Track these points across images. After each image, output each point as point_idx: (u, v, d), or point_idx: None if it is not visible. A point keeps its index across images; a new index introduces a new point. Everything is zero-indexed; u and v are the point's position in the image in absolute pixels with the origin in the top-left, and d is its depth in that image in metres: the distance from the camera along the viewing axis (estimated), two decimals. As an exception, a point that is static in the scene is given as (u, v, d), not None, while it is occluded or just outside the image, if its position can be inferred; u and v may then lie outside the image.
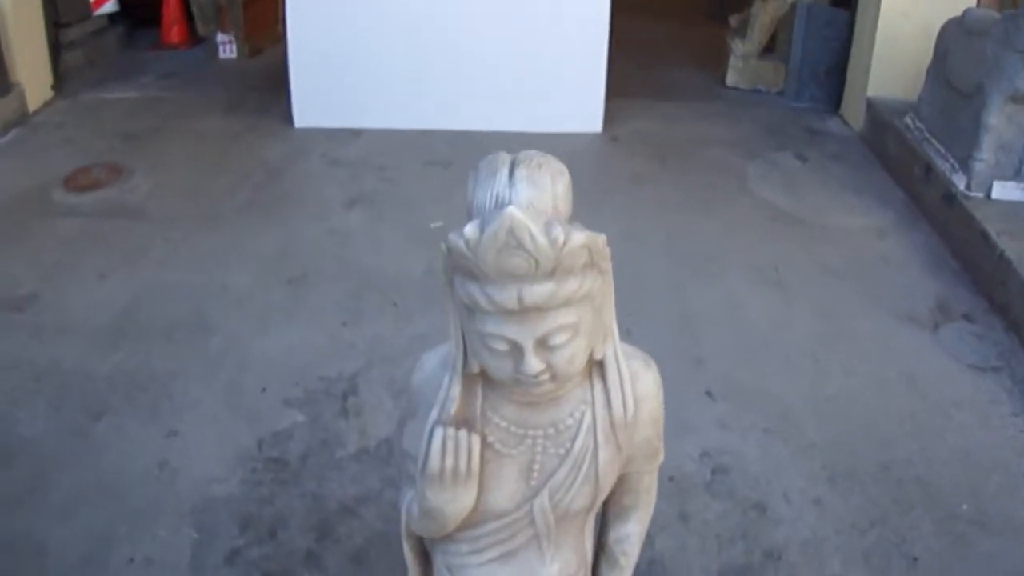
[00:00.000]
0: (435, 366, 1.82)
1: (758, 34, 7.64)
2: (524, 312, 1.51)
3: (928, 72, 5.88)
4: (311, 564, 3.06)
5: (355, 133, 6.61)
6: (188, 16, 8.88)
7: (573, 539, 1.87)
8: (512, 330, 1.54)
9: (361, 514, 3.26)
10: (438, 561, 1.93)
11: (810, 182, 5.94)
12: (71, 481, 3.41)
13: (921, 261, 4.97)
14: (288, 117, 6.74)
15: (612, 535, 2.00)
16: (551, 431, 1.75)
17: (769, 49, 7.83)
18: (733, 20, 8.10)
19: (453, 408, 1.71)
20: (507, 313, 1.52)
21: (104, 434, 3.65)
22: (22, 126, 6.64)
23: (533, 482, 1.76)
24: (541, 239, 1.44)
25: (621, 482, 1.91)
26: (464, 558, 1.86)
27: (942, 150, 5.46)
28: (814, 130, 6.82)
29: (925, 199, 5.48)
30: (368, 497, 3.33)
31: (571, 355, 1.60)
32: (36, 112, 6.89)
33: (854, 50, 6.97)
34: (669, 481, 3.37)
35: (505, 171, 1.59)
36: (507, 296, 1.50)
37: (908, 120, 5.98)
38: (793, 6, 7.41)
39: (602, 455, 1.76)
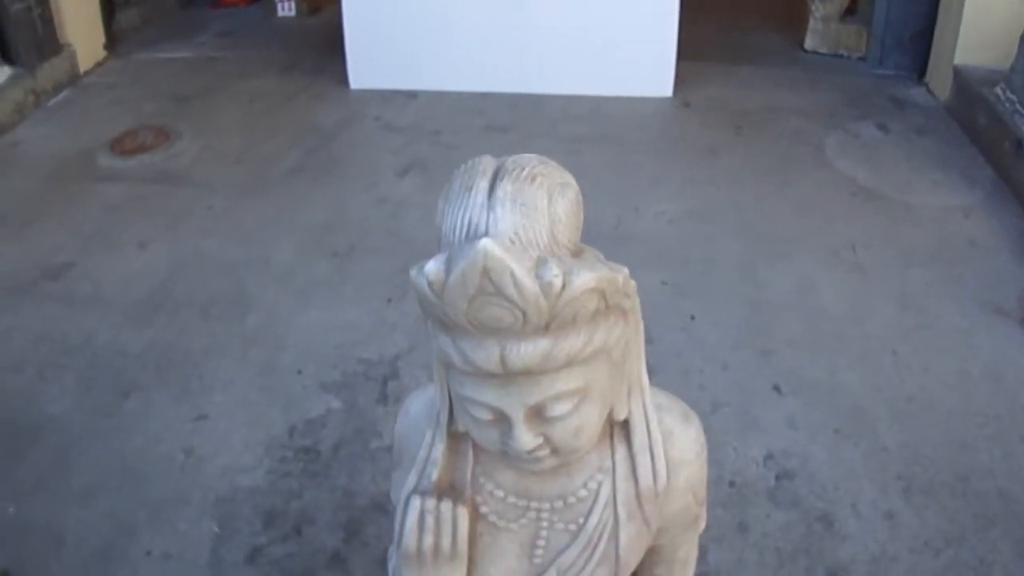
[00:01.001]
0: (420, 410, 1.57)
1: (840, -6, 7.24)
2: (510, 376, 1.19)
3: (1022, 38, 5.47)
4: (336, 566, 2.89)
5: (411, 95, 6.38)
6: (248, -28, 8.69)
7: None
8: (495, 397, 1.22)
9: (391, 512, 3.06)
10: None
11: (892, 156, 5.58)
12: (94, 464, 3.29)
13: (1010, 246, 4.61)
14: (344, 78, 6.53)
15: None
16: (559, 504, 1.47)
17: (851, 11, 7.41)
18: (814, -19, 7.71)
19: (435, 474, 1.45)
20: (488, 376, 1.20)
21: (132, 414, 3.51)
22: (72, 87, 6.51)
23: (537, 560, 1.49)
24: (528, 285, 1.10)
25: (651, 553, 1.62)
26: None
27: (1036, 126, 5.08)
28: (897, 99, 6.43)
29: (1016, 177, 5.10)
30: (400, 494, 3.12)
31: (577, 427, 1.28)
32: (87, 73, 6.76)
33: (941, 13, 6.54)
34: (730, 487, 3.13)
35: (484, 186, 1.20)
36: (486, 356, 1.17)
37: (999, 91, 5.58)
38: (878, -34, 7.00)
39: (624, 534, 1.47)
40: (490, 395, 1.22)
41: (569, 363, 1.19)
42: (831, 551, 2.92)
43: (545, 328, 1.15)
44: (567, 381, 1.21)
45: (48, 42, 6.27)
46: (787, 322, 4.01)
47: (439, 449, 1.45)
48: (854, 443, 3.35)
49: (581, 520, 1.47)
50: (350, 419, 3.47)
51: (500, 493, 1.48)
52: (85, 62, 6.75)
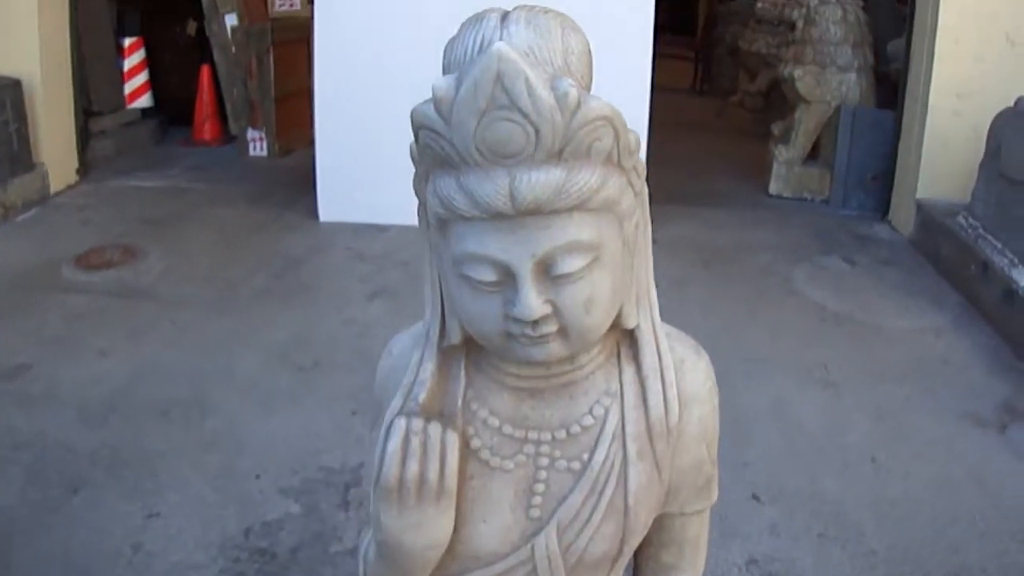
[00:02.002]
0: (406, 347, 1.36)
1: (802, 139, 7.33)
2: (519, 218, 1.06)
3: (981, 168, 5.54)
4: (291, 668, 2.61)
5: (381, 229, 6.29)
6: (221, 114, 8.72)
7: None
8: (501, 246, 1.08)
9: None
10: None
11: (860, 285, 5.54)
12: (36, 557, 3.01)
13: (983, 362, 4.52)
14: (314, 211, 6.46)
15: None
16: (561, 435, 1.27)
17: (813, 156, 7.51)
18: (776, 128, 7.83)
19: (423, 395, 1.26)
20: (495, 219, 1.06)
21: (79, 509, 3.25)
22: (42, 206, 6.42)
23: (535, 512, 1.28)
24: (543, 95, 1.00)
25: (660, 529, 1.42)
26: None
27: (999, 246, 5.08)
28: (862, 236, 6.44)
29: (983, 299, 5.06)
30: (363, 596, 2.87)
31: (588, 297, 1.12)
32: (58, 193, 6.70)
33: (901, 153, 6.64)
34: (710, 589, 2.90)
35: (496, 15, 1.11)
36: (494, 187, 1.04)
37: (961, 219, 5.61)
38: (837, 110, 7.11)
39: (633, 475, 1.27)
40: (495, 245, 1.08)
41: (581, 203, 1.06)
42: (824, 653, 2.70)
43: (558, 155, 1.04)
44: (579, 229, 1.07)
45: (22, 158, 6.22)
46: (763, 436, 3.85)
47: (428, 369, 1.27)
48: (840, 546, 3.15)
49: (585, 456, 1.27)
50: (310, 523, 3.22)
51: (495, 421, 1.27)
52: (56, 183, 6.70)
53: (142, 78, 8.80)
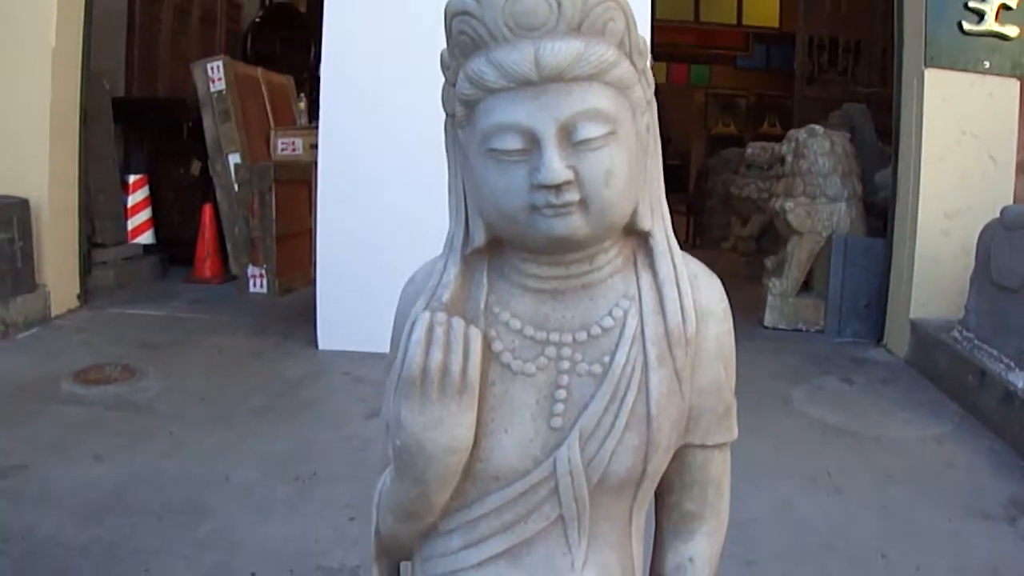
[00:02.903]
0: (428, 271, 1.36)
1: (795, 271, 7.37)
2: (543, 85, 1.13)
3: (972, 281, 5.60)
4: None
5: (380, 357, 6.22)
6: (222, 253, 8.79)
7: (615, 533, 1.33)
8: (527, 111, 1.14)
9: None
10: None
11: (859, 402, 5.48)
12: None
13: (987, 464, 4.45)
14: (313, 341, 6.44)
15: (671, 560, 1.44)
16: (582, 336, 1.27)
17: (806, 287, 7.54)
18: (769, 262, 7.88)
19: (447, 295, 1.27)
20: (521, 87, 1.14)
21: (66, 609, 3.11)
22: (43, 326, 6.41)
23: (557, 421, 1.26)
24: None
25: (682, 469, 1.40)
26: (454, 560, 1.32)
27: (995, 353, 5.09)
28: (858, 359, 6.41)
29: (982, 406, 5.03)
30: None
31: (608, 169, 1.17)
32: (59, 316, 6.70)
33: (893, 277, 6.68)
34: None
35: None
36: (520, 56, 1.13)
37: (956, 333, 5.63)
38: (829, 240, 7.17)
39: (655, 382, 1.26)
40: (521, 112, 1.14)
41: (599, 73, 1.16)
42: None
43: (578, 28, 1.14)
44: (598, 98, 1.16)
45: (25, 278, 6.24)
46: (770, 537, 3.73)
47: (452, 272, 1.29)
48: (855, 640, 3.02)
49: (606, 359, 1.26)
50: (307, 620, 3.10)
51: (516, 324, 1.27)
52: (58, 307, 6.70)
53: (145, 215, 8.90)
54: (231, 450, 4.51)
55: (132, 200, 8.79)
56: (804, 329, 7.33)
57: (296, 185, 8.37)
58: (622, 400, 1.25)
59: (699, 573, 1.43)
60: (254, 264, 8.31)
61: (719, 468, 1.44)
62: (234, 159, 8.47)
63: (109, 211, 8.25)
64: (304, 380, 5.74)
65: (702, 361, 1.32)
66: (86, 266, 7.33)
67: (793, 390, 5.68)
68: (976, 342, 5.35)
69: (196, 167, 9.34)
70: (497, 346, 1.27)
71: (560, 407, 1.26)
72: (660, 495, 1.45)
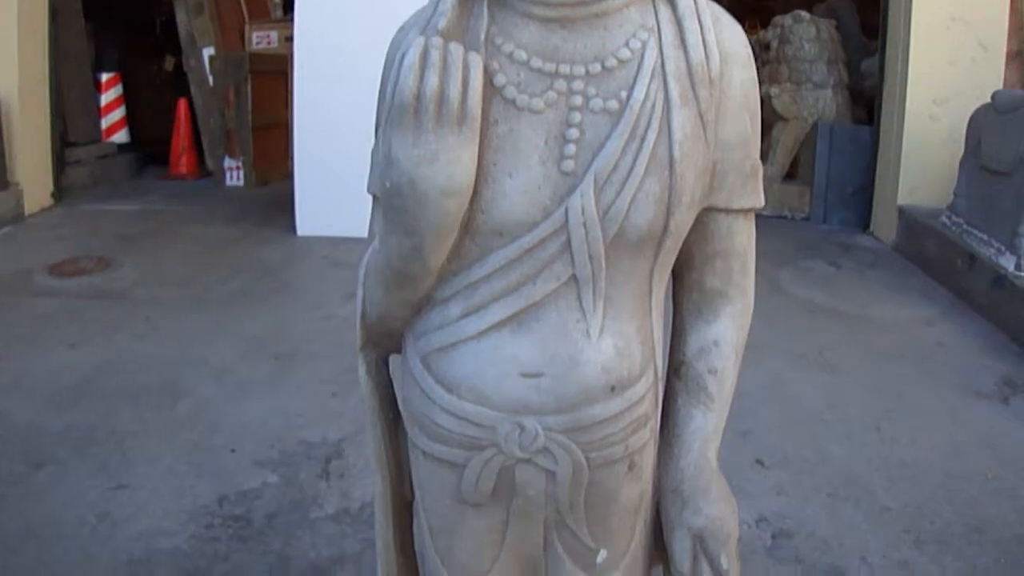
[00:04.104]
0: (419, 13, 1.17)
1: (780, 157, 7.18)
2: None
3: (961, 166, 5.46)
4: (268, 627, 2.32)
5: (359, 241, 6.03)
6: (198, 149, 8.51)
7: (634, 300, 1.17)
8: None
9: None
10: (411, 360, 1.22)
11: (847, 284, 5.34)
12: (-8, 530, 2.71)
13: (979, 345, 4.33)
14: (291, 227, 6.24)
15: (693, 343, 1.29)
16: (596, 68, 1.09)
17: (792, 175, 7.36)
18: (752, 150, 7.68)
19: (443, 23, 1.08)
20: None
21: (42, 483, 2.97)
22: (16, 224, 6.18)
23: (568, 164, 1.08)
24: None
25: (705, 236, 1.24)
26: (452, 331, 1.15)
27: (985, 237, 4.96)
28: (845, 245, 6.26)
29: (972, 289, 4.90)
30: (346, 559, 2.61)
31: None
32: (32, 215, 6.47)
33: (880, 164, 6.51)
34: (721, 543, 2.64)
35: None
36: None
37: (944, 219, 5.48)
38: (814, 127, 6.97)
39: (677, 121, 1.09)
40: None
41: None
42: (846, 601, 2.44)
43: None
44: None
45: (-4, 174, 5.98)
46: (763, 409, 3.60)
47: (449, 1, 1.10)
48: (852, 504, 2.91)
49: (623, 94, 1.08)
50: (288, 492, 2.95)
51: (522, 55, 1.09)
52: (31, 205, 6.47)
53: (119, 113, 8.62)
54: (209, 333, 4.34)
55: (105, 99, 8.50)
56: (789, 216, 7.17)
57: (271, 77, 8.09)
58: (642, 140, 1.07)
59: (725, 358, 1.28)
60: (230, 156, 8.06)
61: (744, 240, 1.27)
62: (208, 52, 8.16)
63: (82, 109, 7.94)
64: (282, 264, 5.56)
65: (727, 110, 1.15)
66: (59, 165, 7.08)
67: (780, 272, 5.53)
68: (965, 227, 5.21)
69: (170, 63, 9.03)
70: (500, 80, 1.08)
71: (572, 148, 1.08)
72: (680, 273, 1.29)
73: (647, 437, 1.23)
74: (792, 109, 7.06)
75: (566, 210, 1.07)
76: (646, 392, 1.20)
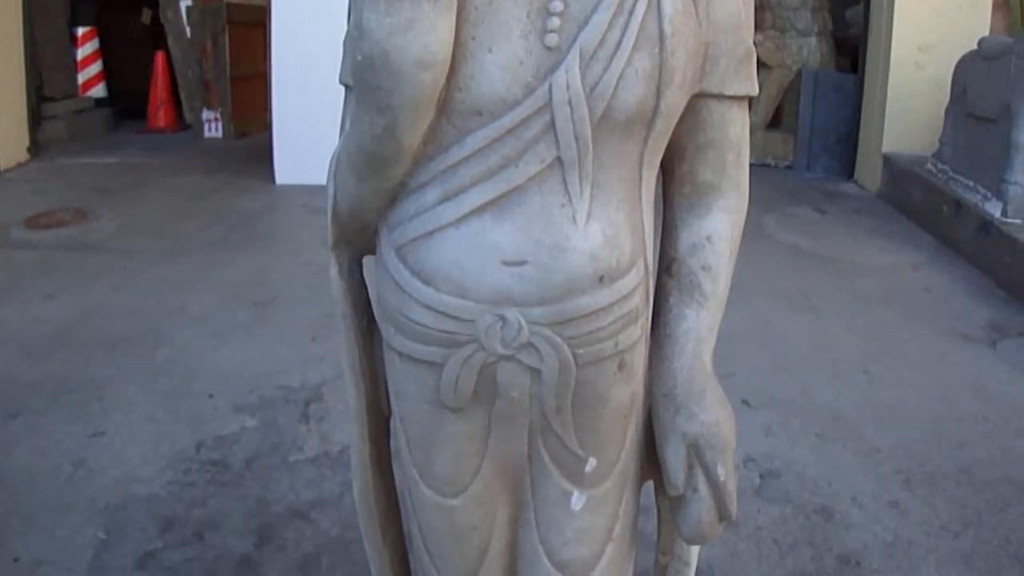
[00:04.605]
0: None
1: (764, 105, 7.09)
2: None
3: (947, 114, 5.41)
4: (245, 571, 2.26)
5: (338, 188, 5.95)
6: (176, 102, 8.36)
7: (622, 186, 1.10)
8: None
9: (314, 519, 2.47)
10: (385, 254, 1.15)
11: (832, 230, 5.28)
12: (-37, 478, 2.64)
13: (965, 290, 4.28)
14: (270, 177, 6.12)
15: (685, 239, 1.21)
16: None
17: (776, 123, 7.27)
18: (736, 98, 7.58)
19: None
20: None
21: (17, 432, 2.89)
22: (-10, 179, 6.01)
23: (552, 39, 1.01)
24: None
25: (697, 125, 1.16)
26: (429, 218, 1.08)
27: (971, 184, 4.91)
28: (830, 192, 6.20)
29: (958, 236, 4.85)
30: (325, 502, 2.54)
31: None
32: (8, 170, 6.32)
33: (865, 112, 6.43)
34: (708, 484, 2.59)
35: None
36: None
37: (930, 166, 5.43)
38: (798, 75, 6.87)
39: None
40: None
41: None
42: (837, 540, 2.39)
43: None
44: None
45: (-30, 132, 5.83)
46: (748, 350, 3.54)
47: None
48: (841, 445, 2.86)
49: None
50: (267, 436, 2.88)
51: None
52: (7, 160, 6.32)
53: (96, 68, 8.44)
54: (187, 281, 4.25)
55: (81, 53, 8.31)
56: (773, 164, 7.09)
57: (249, 28, 7.93)
58: (630, 14, 1.00)
59: (719, 255, 1.21)
60: (208, 108, 7.92)
61: (738, 130, 1.20)
62: (185, 3, 7.99)
63: (57, 64, 7.76)
64: (261, 213, 5.46)
65: None
66: (35, 120, 6.92)
67: (764, 217, 5.45)
68: (951, 174, 5.15)
69: (147, 16, 8.85)
70: None
71: (556, 21, 1.00)
72: (671, 166, 1.21)
73: (638, 335, 1.16)
74: (776, 57, 6.96)
75: (550, 87, 1.00)
76: (636, 285, 1.12)
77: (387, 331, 1.17)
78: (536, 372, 1.09)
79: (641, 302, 1.14)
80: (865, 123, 6.40)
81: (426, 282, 1.08)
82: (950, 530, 2.42)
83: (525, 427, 1.15)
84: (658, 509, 1.37)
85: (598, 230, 1.06)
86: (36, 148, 6.75)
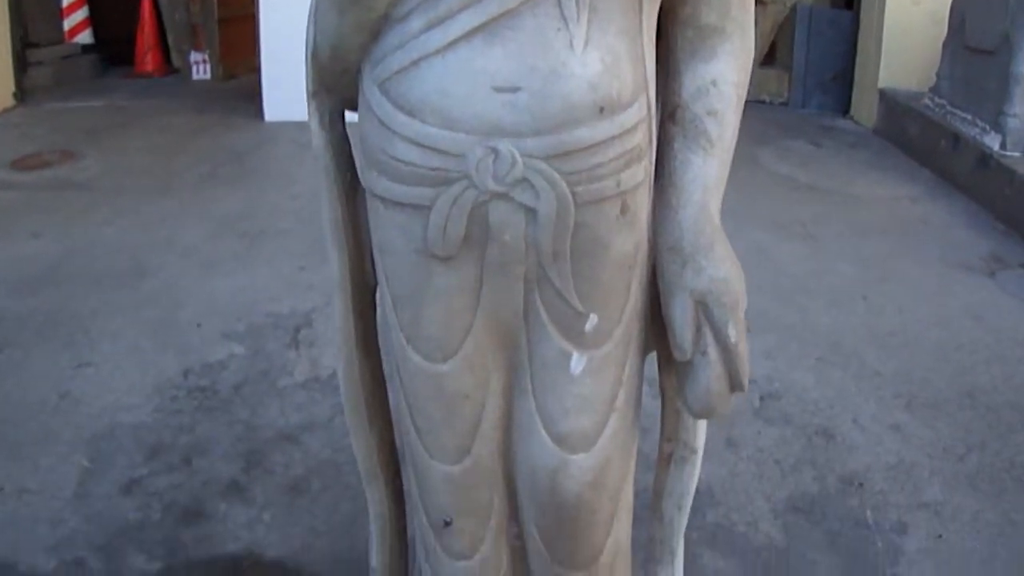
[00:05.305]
0: None
1: (758, 42, 6.92)
2: None
3: (944, 47, 5.26)
4: (233, 495, 2.19)
5: (329, 124, 5.82)
6: (163, 46, 8.17)
7: (622, 15, 1.01)
8: None
9: (304, 442, 2.40)
10: (367, 91, 1.05)
11: (829, 163, 5.18)
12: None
13: (964, 223, 4.19)
14: (259, 115, 5.98)
15: (689, 84, 1.12)
16: None
17: (770, 60, 7.12)
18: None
19: None
20: None
21: (2, 366, 2.80)
22: (-24, 126, 5.86)
23: None
24: None
25: None
26: (414, 47, 0.98)
27: (969, 117, 4.80)
28: (825, 127, 6.07)
29: (956, 169, 4.75)
30: (315, 425, 2.48)
31: None
32: (-6, 117, 6.13)
33: (861, 49, 6.28)
34: (706, 407, 2.52)
35: None
36: None
37: (927, 100, 5.31)
38: (793, 10, 6.73)
39: None
40: None
41: None
42: (840, 461, 2.34)
43: None
44: None
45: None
46: (745, 277, 3.43)
47: None
48: (841, 369, 2.79)
49: None
50: (256, 362, 2.82)
51: None
52: (-8, 106, 6.13)
53: (82, 14, 8.22)
54: (175, 215, 4.15)
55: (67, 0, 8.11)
56: (768, 101, 6.93)
57: (235, -32, 7.73)
58: None
59: (725, 100, 1.12)
60: (196, 50, 7.74)
61: None
62: (171, -55, 7.80)
63: (42, 10, 7.54)
64: (250, 149, 5.33)
65: None
66: (21, 66, 6.73)
67: (760, 150, 5.33)
68: (949, 108, 5.04)
69: (133, -43, 8.62)
70: None
71: None
72: (672, 10, 1.12)
73: (641, 177, 1.06)
74: (770, -8, 6.80)
75: None
76: (639, 122, 1.03)
77: (370, 177, 1.08)
78: (532, 212, 1.00)
79: (644, 141, 1.05)
80: (861, 59, 6.26)
81: (410, 114, 0.99)
82: (954, 453, 2.36)
83: (520, 278, 1.06)
84: (662, 390, 1.28)
85: (597, 57, 0.98)
86: (22, 94, 6.56)
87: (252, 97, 6.10)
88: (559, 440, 1.12)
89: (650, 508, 1.35)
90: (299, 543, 2.02)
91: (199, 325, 3.03)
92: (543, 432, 1.12)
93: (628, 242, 1.07)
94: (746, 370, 1.10)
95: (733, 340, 1.08)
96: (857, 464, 2.31)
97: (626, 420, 1.16)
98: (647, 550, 1.38)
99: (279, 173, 4.86)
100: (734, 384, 1.11)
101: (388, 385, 1.33)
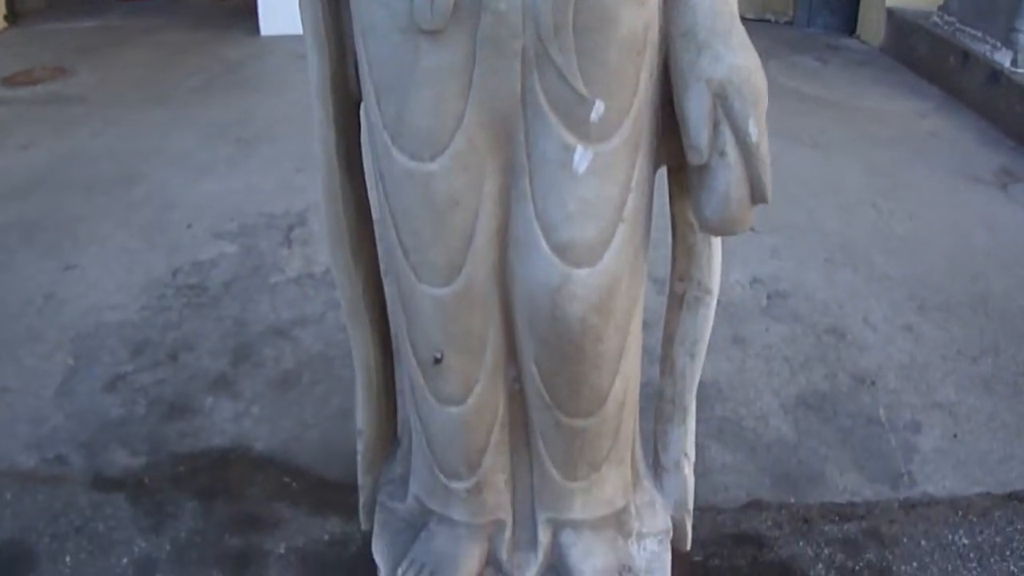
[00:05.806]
0: None
1: (763, -41, 6.72)
2: None
3: (951, -37, 5.04)
4: (220, 390, 2.09)
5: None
6: (162, -34, 7.93)
7: None
8: None
9: (295, 336, 2.30)
10: None
11: (836, 78, 5.00)
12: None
13: (974, 138, 4.03)
14: (255, 29, 5.79)
15: None
16: None
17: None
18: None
19: None
20: None
21: (-16, 270, 2.68)
22: (-35, 48, 5.66)
23: None
24: None
25: None
26: None
27: (979, 34, 4.61)
28: (832, 45, 5.86)
29: (966, 86, 4.59)
30: (307, 320, 2.38)
31: None
32: (-16, 39, 5.94)
33: (869, -35, 6.07)
34: (714, 304, 2.42)
35: None
36: None
37: (936, 18, 5.12)
38: (801, -75, 6.50)
39: None
40: None
41: None
42: (851, 360, 2.23)
43: None
44: None
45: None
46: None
47: None
48: (851, 270, 2.68)
49: None
50: (247, 259, 2.71)
51: None
52: (-18, 30, 5.93)
53: (76, -67, 7.99)
54: (167, 124, 4.00)
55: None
56: (772, 20, 6.71)
57: None
58: None
59: None
60: (194, -30, 7.51)
61: None
62: None
63: (33, -68, 7.33)
64: (247, 61, 5.15)
65: None
66: (13, -8, 6.52)
67: (765, 63, 5.10)
68: (958, 25, 4.85)
69: None
70: None
71: None
72: None
73: None
74: (776, -91, 6.57)
75: None
76: None
77: None
78: None
79: None
80: (869, -24, 6.07)
81: None
82: (967, 355, 2.26)
83: (517, 56, 0.93)
84: (673, 219, 1.15)
85: None
86: (13, 16, 6.36)
87: (248, 14, 5.91)
88: (560, 250, 0.99)
89: (660, 358, 1.23)
90: (288, 435, 1.92)
91: (189, 226, 2.91)
92: (543, 242, 0.99)
93: (638, 19, 0.94)
94: (768, 176, 0.97)
95: (754, 138, 0.95)
96: (869, 363, 2.20)
97: (635, 234, 1.03)
98: (656, 408, 1.26)
99: (276, 82, 4.70)
100: (755, 192, 0.98)
101: (371, 198, 1.21)
